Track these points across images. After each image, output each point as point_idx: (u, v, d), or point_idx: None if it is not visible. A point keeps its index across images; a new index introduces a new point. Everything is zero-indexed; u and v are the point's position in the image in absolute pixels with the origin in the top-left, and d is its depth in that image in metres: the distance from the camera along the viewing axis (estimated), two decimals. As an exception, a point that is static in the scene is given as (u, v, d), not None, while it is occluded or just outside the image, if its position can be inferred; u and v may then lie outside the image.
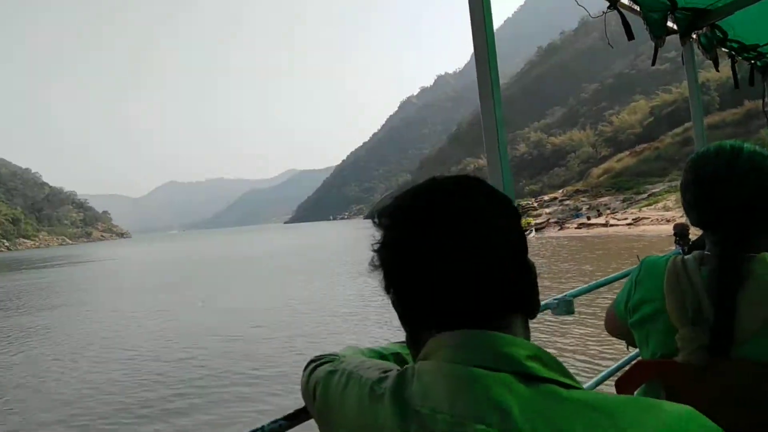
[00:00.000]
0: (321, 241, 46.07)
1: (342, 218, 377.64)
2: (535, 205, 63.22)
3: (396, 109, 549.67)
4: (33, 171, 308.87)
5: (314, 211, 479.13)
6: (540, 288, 0.61)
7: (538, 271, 0.64)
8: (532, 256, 0.63)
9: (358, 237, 46.98)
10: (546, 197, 68.29)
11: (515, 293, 0.64)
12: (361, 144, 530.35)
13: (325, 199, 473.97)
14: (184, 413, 6.22)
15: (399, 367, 0.70)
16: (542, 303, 1.03)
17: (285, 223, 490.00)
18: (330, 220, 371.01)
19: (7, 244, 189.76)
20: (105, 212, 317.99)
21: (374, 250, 0.67)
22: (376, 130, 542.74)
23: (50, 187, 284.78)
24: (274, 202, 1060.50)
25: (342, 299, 13.72)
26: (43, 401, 6.69)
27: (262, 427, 0.88)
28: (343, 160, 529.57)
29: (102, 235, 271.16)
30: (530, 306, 0.66)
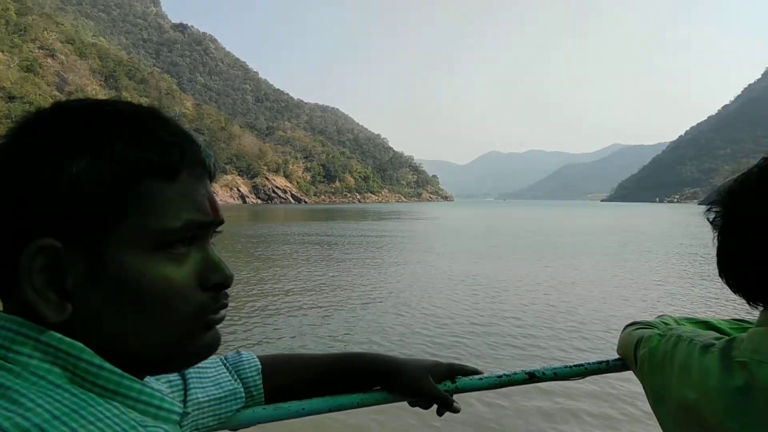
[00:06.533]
0: (646, 226, 42.61)
1: (670, 201, 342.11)
2: None
3: (759, 76, 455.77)
4: (382, 137, 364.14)
5: (637, 190, 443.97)
6: None
7: None
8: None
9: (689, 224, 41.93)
10: None
11: None
12: (705, 118, 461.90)
13: (652, 179, 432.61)
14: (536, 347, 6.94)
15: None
16: None
17: (602, 201, 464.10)
18: (655, 202, 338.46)
19: (359, 197, 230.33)
20: (434, 176, 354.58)
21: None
22: (727, 102, 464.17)
23: (394, 151, 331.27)
24: (592, 177, 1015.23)
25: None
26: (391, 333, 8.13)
27: (604, 361, 1.03)
28: (680, 136, 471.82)
29: (430, 197, 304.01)
30: None
